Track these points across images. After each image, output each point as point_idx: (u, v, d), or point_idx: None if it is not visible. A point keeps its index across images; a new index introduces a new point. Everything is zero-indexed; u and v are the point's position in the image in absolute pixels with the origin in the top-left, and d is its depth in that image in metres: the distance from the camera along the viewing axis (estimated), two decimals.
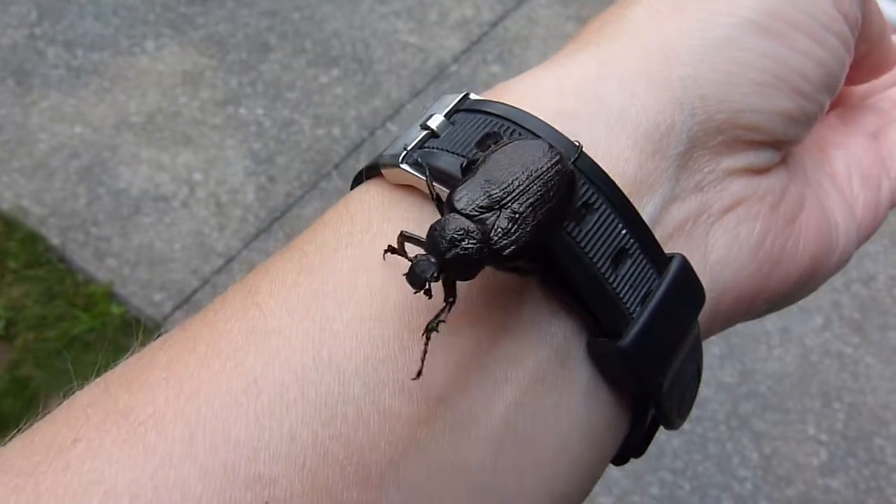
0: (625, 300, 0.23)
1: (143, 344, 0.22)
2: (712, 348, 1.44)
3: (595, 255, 0.23)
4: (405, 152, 0.24)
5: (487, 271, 0.22)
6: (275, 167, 1.60)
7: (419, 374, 0.20)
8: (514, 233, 0.21)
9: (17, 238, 1.47)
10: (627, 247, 0.23)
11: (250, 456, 0.19)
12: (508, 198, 0.22)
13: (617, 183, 0.23)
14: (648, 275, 0.23)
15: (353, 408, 0.20)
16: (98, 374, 0.21)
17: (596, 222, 0.23)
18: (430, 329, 0.20)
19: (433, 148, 0.24)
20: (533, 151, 0.22)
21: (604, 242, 0.23)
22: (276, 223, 1.53)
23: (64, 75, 1.69)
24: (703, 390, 1.39)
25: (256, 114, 1.67)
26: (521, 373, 0.22)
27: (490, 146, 0.23)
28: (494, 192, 0.22)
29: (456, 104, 0.25)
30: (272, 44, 1.78)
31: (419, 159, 0.23)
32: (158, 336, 0.22)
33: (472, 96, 0.26)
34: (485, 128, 0.24)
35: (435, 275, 0.20)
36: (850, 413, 1.39)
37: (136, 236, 1.48)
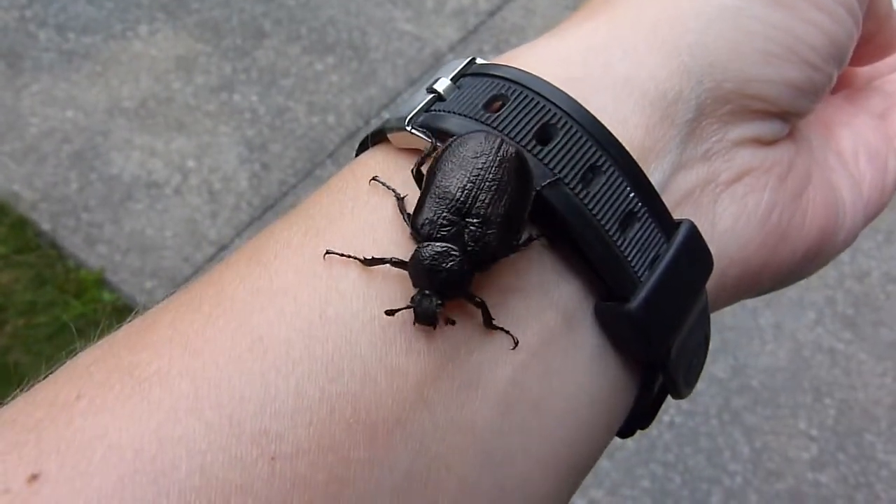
0: (633, 263, 0.23)
1: None
2: None
3: (603, 217, 0.22)
4: (411, 115, 0.24)
5: None
6: (268, 155, 1.58)
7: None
8: (486, 234, 0.22)
9: (6, 223, 1.45)
10: (635, 210, 0.23)
11: (256, 411, 0.19)
12: (467, 204, 0.22)
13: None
14: (657, 239, 0.23)
15: (360, 365, 0.20)
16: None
17: (603, 185, 0.23)
18: (489, 323, 0.21)
19: (439, 111, 0.24)
20: (473, 147, 0.22)
21: (612, 205, 0.23)
22: (270, 211, 1.52)
23: (55, 59, 1.68)
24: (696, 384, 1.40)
25: (251, 100, 1.66)
26: (528, 335, 0.22)
27: (496, 106, 0.23)
28: (451, 204, 0.22)
29: (462, 68, 0.25)
30: (267, 30, 1.76)
31: (425, 122, 0.23)
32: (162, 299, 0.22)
33: (479, 61, 0.26)
34: (491, 90, 0.24)
35: (439, 303, 0.21)
36: (841, 409, 1.40)
37: (127, 223, 1.47)
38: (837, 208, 0.30)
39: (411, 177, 0.23)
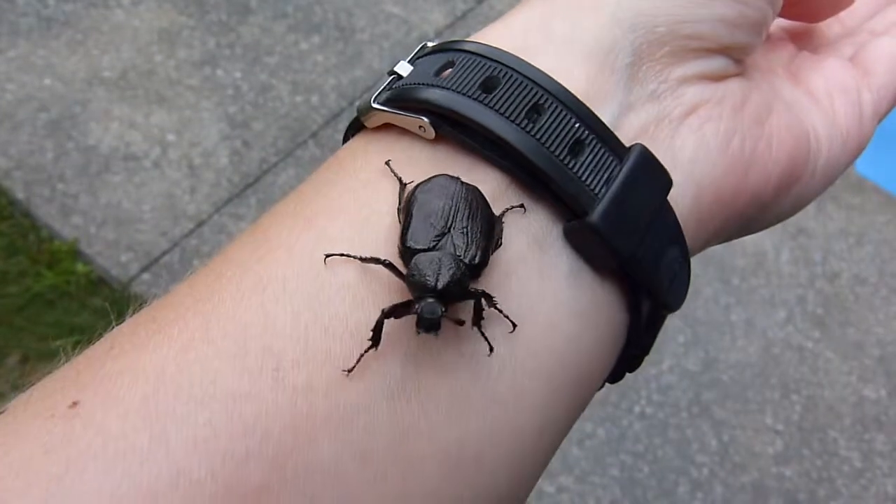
0: (589, 184, 0.24)
1: (109, 302, 0.24)
2: (678, 336, 1.46)
3: (552, 145, 0.24)
4: (376, 94, 0.26)
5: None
6: (250, 132, 1.57)
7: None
8: (471, 244, 0.24)
9: None
10: (583, 137, 0.25)
11: (258, 334, 0.21)
12: (450, 221, 0.24)
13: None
14: (609, 161, 0.25)
15: (349, 293, 0.22)
16: (63, 334, 0.23)
17: (547, 120, 0.25)
18: (477, 322, 0.23)
19: (400, 86, 0.26)
20: (442, 183, 0.24)
21: (559, 135, 0.25)
22: (250, 189, 1.50)
23: (34, 24, 1.64)
24: (667, 377, 1.42)
25: (234, 77, 1.64)
26: (501, 259, 0.24)
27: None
28: (437, 221, 0.24)
29: (417, 52, 0.28)
30: (253, 6, 1.74)
31: (390, 96, 0.26)
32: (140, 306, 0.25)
33: (430, 44, 0.28)
34: (441, 60, 0.26)
35: (443, 309, 0.22)
36: (807, 405, 1.43)
37: (104, 195, 1.45)
38: (809, 138, 0.30)
39: (387, 144, 0.26)
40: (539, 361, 0.23)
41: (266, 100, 1.62)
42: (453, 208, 0.24)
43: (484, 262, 0.24)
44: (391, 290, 0.23)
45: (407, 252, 0.23)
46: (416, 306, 0.22)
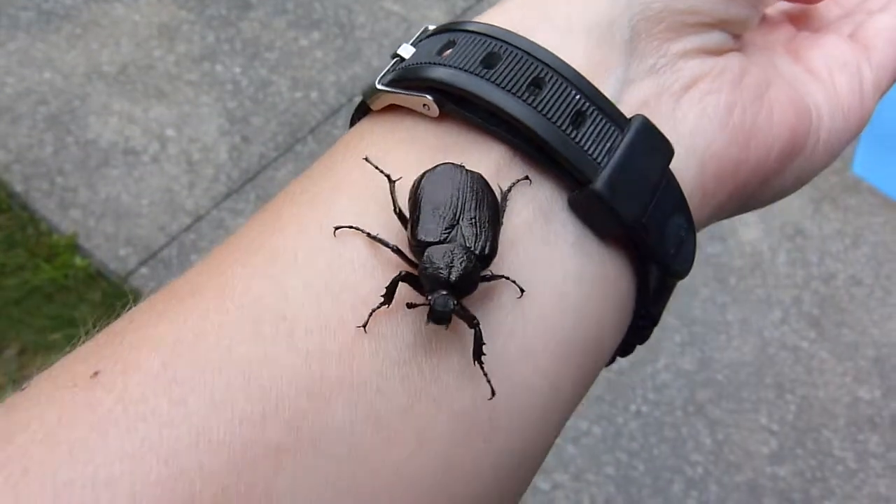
0: (592, 153, 0.25)
1: (106, 295, 0.24)
2: (674, 336, 1.46)
3: (553, 116, 0.25)
4: (380, 76, 0.27)
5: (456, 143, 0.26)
6: (249, 127, 1.57)
7: (492, 394, 0.23)
8: (482, 233, 0.24)
9: None
10: (584, 108, 0.25)
11: (271, 304, 0.22)
12: (459, 211, 0.24)
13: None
14: (610, 131, 0.25)
15: (360, 264, 0.23)
16: (61, 327, 0.24)
17: (549, 92, 0.25)
18: (478, 357, 0.22)
19: (403, 67, 0.27)
20: (447, 173, 0.24)
21: (560, 106, 0.25)
22: (249, 184, 1.51)
23: (34, 18, 1.64)
24: (663, 375, 1.42)
25: (233, 72, 1.64)
26: (507, 229, 0.25)
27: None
28: (446, 213, 0.24)
29: (419, 35, 0.29)
30: (253, 2, 1.74)
31: (394, 77, 0.27)
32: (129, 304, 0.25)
33: (431, 27, 0.29)
34: (443, 41, 0.27)
35: (455, 302, 0.22)
36: (802, 405, 1.43)
37: (103, 189, 1.45)
38: (809, 110, 0.31)
39: (391, 124, 0.27)
40: (548, 325, 0.24)
41: (265, 95, 1.62)
42: (460, 199, 0.24)
43: (493, 251, 0.24)
44: (400, 263, 0.24)
45: (419, 245, 0.24)
46: (429, 297, 0.23)
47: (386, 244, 0.23)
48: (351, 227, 0.23)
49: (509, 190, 0.25)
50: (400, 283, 0.23)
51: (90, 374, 0.21)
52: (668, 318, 1.47)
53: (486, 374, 0.22)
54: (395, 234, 0.24)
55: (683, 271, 0.28)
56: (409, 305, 0.22)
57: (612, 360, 0.29)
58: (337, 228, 0.23)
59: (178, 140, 1.53)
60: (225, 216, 1.46)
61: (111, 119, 1.53)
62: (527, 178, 0.25)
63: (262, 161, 1.54)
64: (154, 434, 0.19)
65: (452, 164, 0.25)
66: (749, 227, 1.62)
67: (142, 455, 0.19)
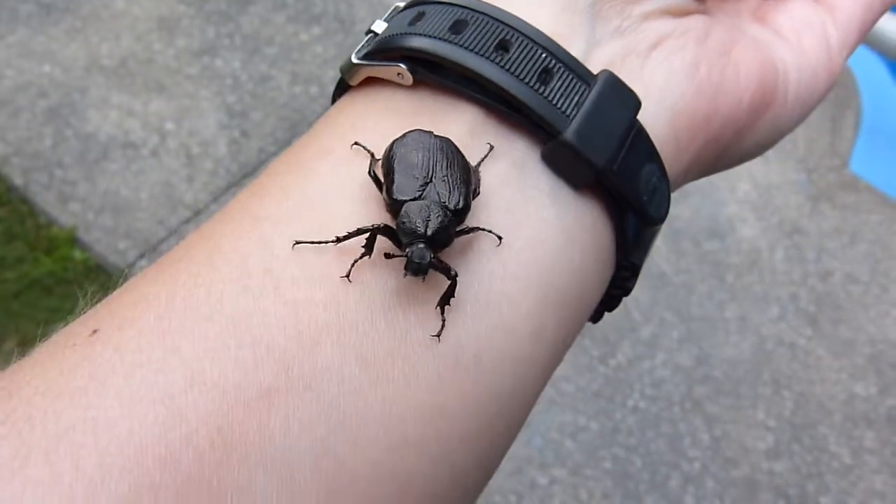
0: (561, 107, 0.26)
1: (105, 288, 0.26)
2: (672, 332, 1.47)
3: (521, 75, 0.26)
4: (356, 51, 0.28)
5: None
6: (249, 122, 1.57)
7: (439, 333, 0.23)
8: (454, 190, 0.25)
9: None
10: (550, 66, 0.26)
11: (258, 260, 0.23)
12: (431, 171, 0.25)
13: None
14: (578, 87, 0.27)
15: (342, 222, 0.24)
16: (60, 319, 0.25)
17: (515, 52, 0.26)
18: (443, 304, 0.24)
19: (376, 40, 0.28)
20: (416, 137, 0.26)
21: (527, 65, 0.26)
22: (247, 178, 1.51)
23: (34, 11, 1.64)
24: (660, 371, 1.43)
25: (233, 66, 1.64)
26: (484, 182, 0.26)
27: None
28: (419, 172, 0.25)
29: (391, 11, 0.30)
30: None
31: (371, 49, 0.28)
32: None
33: (401, 4, 0.30)
34: (414, 12, 0.28)
35: (432, 255, 0.24)
36: (798, 401, 1.44)
37: (102, 182, 1.45)
38: (776, 66, 0.32)
39: (368, 97, 0.28)
40: (528, 271, 0.25)
41: (265, 90, 1.62)
42: (431, 159, 0.25)
43: (467, 206, 0.25)
44: (383, 220, 0.25)
45: (395, 204, 0.25)
46: (407, 250, 0.24)
47: (364, 230, 0.24)
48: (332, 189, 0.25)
49: (479, 165, 0.26)
50: (379, 237, 0.24)
51: (89, 333, 0.22)
52: (666, 314, 1.47)
53: (444, 320, 0.23)
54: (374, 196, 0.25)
55: (659, 217, 0.29)
56: (388, 256, 0.24)
57: (599, 317, 0.30)
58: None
59: (177, 134, 1.53)
60: None
61: (111, 112, 1.53)
62: (490, 146, 0.26)
63: (261, 155, 1.54)
64: (150, 378, 0.21)
65: (420, 130, 0.26)
66: (747, 224, 1.63)
67: (139, 398, 0.20)
